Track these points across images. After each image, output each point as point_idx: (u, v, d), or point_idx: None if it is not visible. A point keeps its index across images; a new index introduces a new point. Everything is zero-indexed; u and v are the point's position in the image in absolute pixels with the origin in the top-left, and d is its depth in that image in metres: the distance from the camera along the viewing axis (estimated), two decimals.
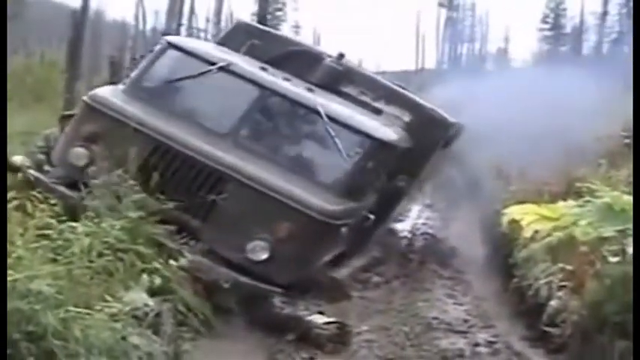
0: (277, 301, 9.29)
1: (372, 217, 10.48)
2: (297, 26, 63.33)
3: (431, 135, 11.46)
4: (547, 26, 70.77)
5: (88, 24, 28.74)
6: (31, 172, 9.72)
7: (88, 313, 6.16)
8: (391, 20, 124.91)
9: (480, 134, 18.08)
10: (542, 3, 72.27)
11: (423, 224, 17.20)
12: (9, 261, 5.99)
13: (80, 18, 26.37)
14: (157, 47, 10.80)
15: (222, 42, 12.13)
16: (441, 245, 14.89)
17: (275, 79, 10.43)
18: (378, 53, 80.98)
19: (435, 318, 10.36)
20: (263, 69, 10.60)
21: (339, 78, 11.51)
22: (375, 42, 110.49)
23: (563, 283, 9.44)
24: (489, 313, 10.81)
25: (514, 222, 12.20)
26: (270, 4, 47.44)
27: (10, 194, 7.56)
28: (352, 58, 12.29)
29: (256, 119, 10.11)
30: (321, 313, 9.44)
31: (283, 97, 10.18)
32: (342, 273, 10.72)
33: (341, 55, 11.78)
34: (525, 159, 16.48)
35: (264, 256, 9.20)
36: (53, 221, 7.46)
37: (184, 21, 37.24)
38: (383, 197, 10.85)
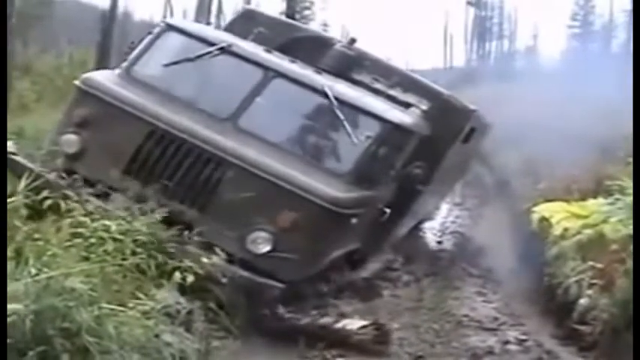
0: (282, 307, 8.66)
1: (387, 210, 9.99)
2: (325, 25, 63.26)
3: (450, 123, 10.81)
4: (576, 23, 70.43)
5: (117, 24, 28.84)
6: (17, 158, 8.96)
7: (121, 311, 6.21)
8: (420, 18, 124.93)
9: (510, 132, 18.12)
10: (571, 0, 71.96)
11: (453, 222, 17.18)
12: (44, 259, 6.08)
13: (109, 19, 26.61)
14: (156, 29, 10.32)
15: (229, 30, 11.47)
16: (471, 243, 14.86)
17: (280, 60, 9.97)
18: (406, 51, 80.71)
19: (465, 316, 10.36)
20: (267, 51, 10.13)
21: (350, 64, 10.99)
22: (403, 40, 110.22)
23: (594, 281, 9.42)
24: (519, 311, 10.79)
25: (544, 220, 12.17)
26: (298, 2, 47.46)
27: (43, 193, 7.63)
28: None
29: (259, 102, 9.50)
30: (342, 315, 9.20)
31: (288, 78, 9.66)
32: (363, 274, 10.65)
33: (352, 40, 11.30)
34: (555, 157, 16.47)
35: (267, 248, 8.63)
36: (87, 219, 7.48)
37: (212, 20, 37.31)
38: (399, 189, 10.20)
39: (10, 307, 5.28)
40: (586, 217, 11.17)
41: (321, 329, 8.64)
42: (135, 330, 6.18)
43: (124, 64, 10.00)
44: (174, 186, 8.82)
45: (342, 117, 9.34)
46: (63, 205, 7.62)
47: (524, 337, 9.64)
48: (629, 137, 16.06)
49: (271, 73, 9.64)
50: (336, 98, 9.44)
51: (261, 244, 8.63)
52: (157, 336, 6.46)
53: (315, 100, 9.58)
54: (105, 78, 9.76)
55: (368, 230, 9.98)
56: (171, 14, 44.37)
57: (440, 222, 16.83)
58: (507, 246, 13.78)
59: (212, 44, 9.81)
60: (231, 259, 8.32)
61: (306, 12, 59.28)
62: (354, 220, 9.21)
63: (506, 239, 14.28)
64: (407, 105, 10.61)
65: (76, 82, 9.58)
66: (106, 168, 8.90)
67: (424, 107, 10.69)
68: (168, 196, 8.74)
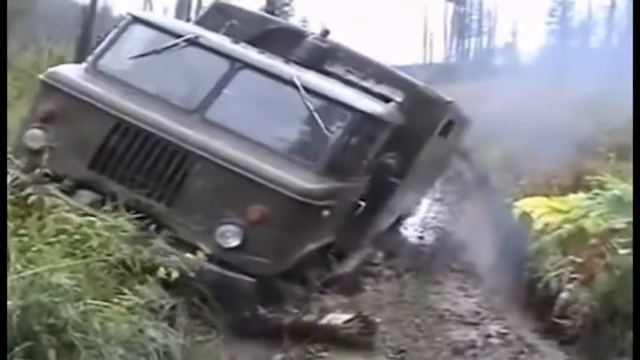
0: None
1: (362, 203, 9.85)
2: (304, 21, 63.18)
3: (426, 114, 10.60)
4: (554, 20, 70.63)
5: (96, 20, 28.72)
6: None
7: (106, 306, 6.20)
8: (399, 14, 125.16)
9: (490, 128, 18.21)
10: None
11: (433, 218, 17.26)
12: (29, 255, 6.09)
13: (89, 14, 26.54)
14: (122, 22, 10.07)
15: (201, 24, 11.10)
16: (452, 238, 14.94)
17: (246, 51, 9.75)
18: (385, 47, 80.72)
19: (447, 310, 10.43)
20: (235, 42, 9.90)
21: (323, 56, 10.78)
22: (382, 36, 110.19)
23: (574, 275, 9.50)
24: (500, 306, 10.86)
25: (525, 215, 12.23)
26: None
27: (27, 190, 7.62)
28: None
29: (227, 94, 9.26)
30: (324, 310, 9.14)
31: (256, 68, 9.43)
32: (345, 269, 10.60)
33: (326, 32, 10.96)
34: (535, 152, 16.57)
35: (236, 242, 8.35)
36: (71, 215, 7.47)
37: (192, 16, 37.24)
38: (374, 181, 10.02)
39: None
40: (566, 211, 11.24)
41: (306, 327, 8.54)
42: (120, 325, 6.17)
43: (90, 58, 9.82)
44: (141, 179, 8.65)
45: (311, 107, 9.10)
46: (47, 200, 7.62)
47: (505, 331, 9.70)
48: (612, 133, 16.22)
49: (238, 64, 9.43)
50: (305, 88, 9.21)
51: (230, 237, 8.38)
52: (141, 331, 6.46)
53: (284, 91, 9.32)
54: (70, 72, 9.55)
55: (343, 223, 9.83)
56: (151, 10, 44.27)
57: (421, 217, 16.90)
58: (488, 241, 13.83)
59: (179, 36, 9.61)
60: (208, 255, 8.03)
61: (286, 8, 59.24)
62: (325, 212, 8.97)
63: (487, 234, 14.34)
64: (380, 96, 10.45)
65: (41, 76, 9.36)
66: (72, 162, 8.77)
67: (398, 98, 10.52)
68: (135, 190, 8.62)
